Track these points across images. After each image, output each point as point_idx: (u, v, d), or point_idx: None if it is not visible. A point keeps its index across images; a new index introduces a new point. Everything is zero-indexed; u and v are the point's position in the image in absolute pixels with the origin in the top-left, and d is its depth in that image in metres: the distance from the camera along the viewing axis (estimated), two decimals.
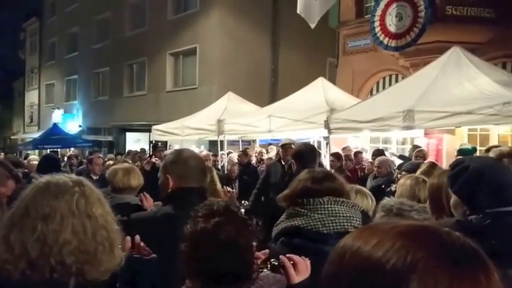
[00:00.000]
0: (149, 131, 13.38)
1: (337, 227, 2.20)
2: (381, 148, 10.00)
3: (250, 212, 5.27)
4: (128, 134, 22.41)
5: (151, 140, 13.35)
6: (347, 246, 0.72)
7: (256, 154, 11.48)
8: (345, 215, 2.25)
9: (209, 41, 17.61)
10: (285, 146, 7.20)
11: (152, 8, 20.53)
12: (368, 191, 3.18)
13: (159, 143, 12.64)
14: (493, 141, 9.62)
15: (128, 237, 1.78)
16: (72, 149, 20.16)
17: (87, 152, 15.32)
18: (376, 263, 0.66)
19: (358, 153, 9.63)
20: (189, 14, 18.67)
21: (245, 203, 6.73)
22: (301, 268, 1.75)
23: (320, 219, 2.22)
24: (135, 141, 21.00)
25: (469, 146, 8.64)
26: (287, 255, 1.75)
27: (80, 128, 25.88)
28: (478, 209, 1.93)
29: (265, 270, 1.72)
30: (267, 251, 1.87)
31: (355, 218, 2.26)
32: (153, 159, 9.03)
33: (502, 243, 1.70)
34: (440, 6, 9.72)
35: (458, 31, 9.64)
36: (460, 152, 8.10)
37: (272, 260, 1.77)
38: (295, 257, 1.74)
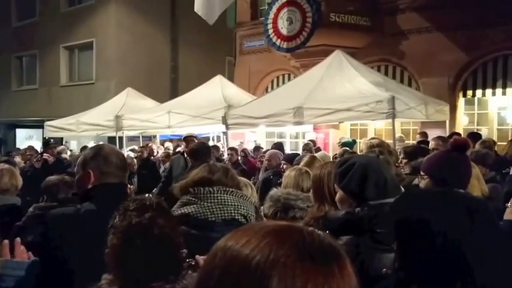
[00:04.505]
0: (42, 127, 12.87)
1: (225, 215, 2.35)
2: (278, 142, 10.54)
3: None
4: (18, 131, 21.05)
5: (44, 136, 12.80)
6: (220, 246, 0.75)
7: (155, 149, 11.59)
8: (232, 203, 2.39)
9: (106, 35, 17.19)
10: (187, 139, 7.48)
11: None
12: (248, 181, 3.43)
13: (51, 140, 12.19)
14: (371, 134, 10.64)
15: (6, 241, 1.65)
16: None
17: None
18: (243, 260, 0.70)
19: (257, 148, 10.20)
20: (84, 6, 18.04)
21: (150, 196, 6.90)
22: None
23: (209, 207, 2.34)
24: (27, 138, 19.79)
25: (349, 139, 9.56)
26: (196, 257, 1.75)
27: None
28: (363, 202, 2.05)
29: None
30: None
31: (242, 207, 2.41)
32: (45, 156, 8.71)
33: (383, 232, 1.87)
34: (325, 13, 10.53)
35: (341, 36, 10.55)
36: (342, 144, 8.91)
37: (189, 259, 1.75)
38: (201, 260, 1.70)
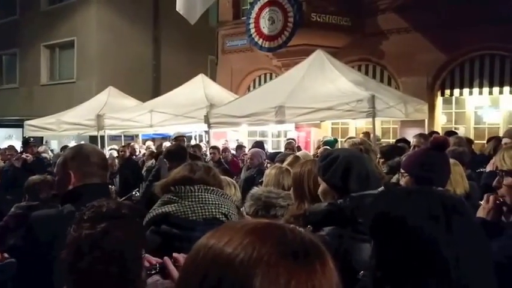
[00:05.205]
0: (22, 126, 12.73)
1: (206, 214, 2.28)
2: (258, 140, 10.63)
3: (141, 203, 5.43)
4: None
5: (24, 135, 12.67)
6: (202, 245, 0.75)
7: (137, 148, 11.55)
8: (214, 202, 2.33)
9: (88, 34, 17.06)
10: (178, 139, 7.52)
11: None
12: (232, 180, 3.44)
13: (31, 139, 12.06)
14: (352, 133, 10.76)
15: None
16: None
17: None
18: (226, 259, 0.70)
19: (239, 147, 10.24)
20: (65, 5, 17.91)
21: (136, 194, 6.87)
22: None
23: (190, 206, 2.28)
24: (7, 138, 19.49)
25: (331, 138, 9.64)
26: (174, 255, 1.66)
27: None
28: (346, 194, 2.09)
29: (153, 271, 1.59)
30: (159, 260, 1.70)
31: (223, 206, 2.34)
32: (24, 155, 8.63)
33: (365, 222, 1.91)
34: (307, 13, 10.62)
35: (322, 36, 10.64)
36: (324, 143, 9.00)
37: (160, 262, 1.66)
38: (180, 257, 1.61)
